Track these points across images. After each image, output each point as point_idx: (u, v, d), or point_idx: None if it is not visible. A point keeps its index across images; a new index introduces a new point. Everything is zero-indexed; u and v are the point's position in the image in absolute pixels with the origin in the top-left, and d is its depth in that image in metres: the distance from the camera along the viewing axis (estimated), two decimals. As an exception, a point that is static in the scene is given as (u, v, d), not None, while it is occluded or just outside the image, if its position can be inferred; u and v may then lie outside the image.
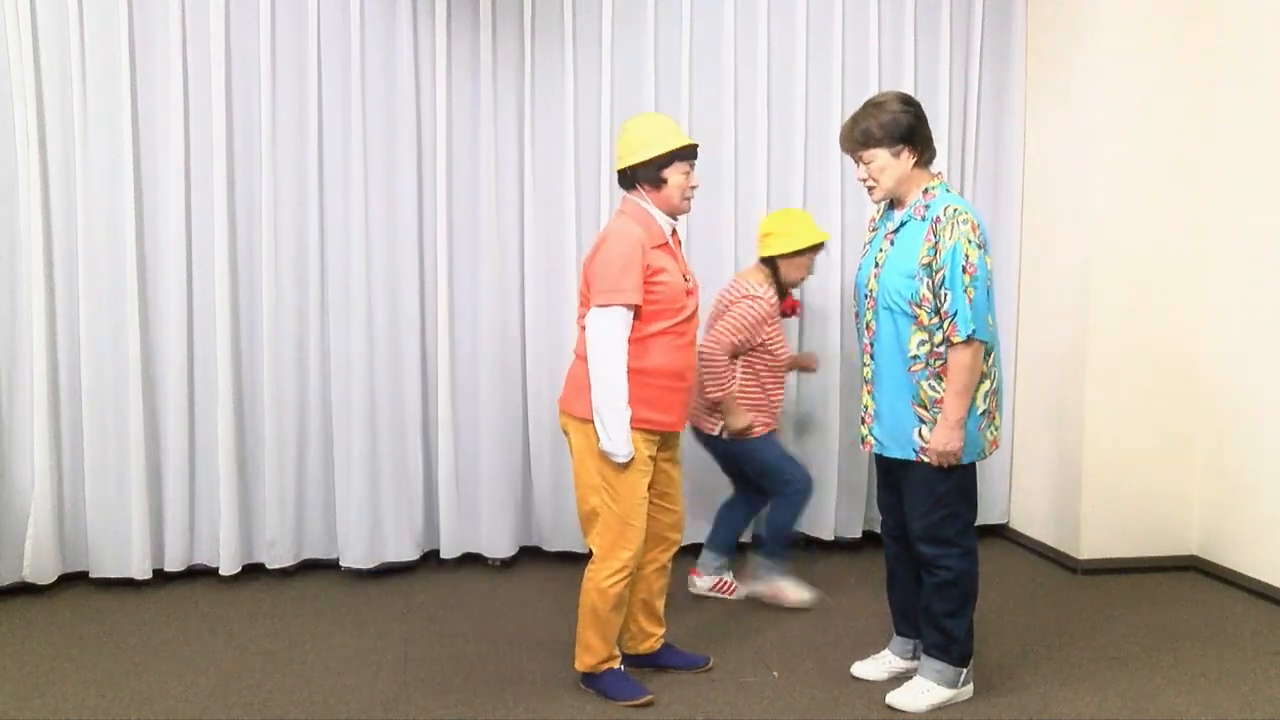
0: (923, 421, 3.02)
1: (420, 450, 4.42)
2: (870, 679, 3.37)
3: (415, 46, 4.31)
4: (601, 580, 3.10)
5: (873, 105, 3.03)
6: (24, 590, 4.12)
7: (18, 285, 4.03)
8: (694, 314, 3.17)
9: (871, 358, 3.12)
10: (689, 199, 3.17)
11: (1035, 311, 4.76)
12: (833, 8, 4.60)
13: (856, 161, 3.08)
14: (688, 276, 3.17)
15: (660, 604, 3.37)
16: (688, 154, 3.13)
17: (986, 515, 4.84)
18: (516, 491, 4.50)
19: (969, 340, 2.93)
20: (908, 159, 3.02)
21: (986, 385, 3.05)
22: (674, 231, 3.20)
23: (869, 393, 3.14)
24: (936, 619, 3.14)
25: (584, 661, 3.19)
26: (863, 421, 3.18)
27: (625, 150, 3.14)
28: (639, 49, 4.47)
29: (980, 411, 3.04)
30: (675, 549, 3.34)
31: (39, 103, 3.99)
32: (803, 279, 3.98)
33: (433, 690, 3.28)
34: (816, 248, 3.94)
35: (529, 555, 4.62)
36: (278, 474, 4.27)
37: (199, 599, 4.10)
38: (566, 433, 3.18)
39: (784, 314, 4.00)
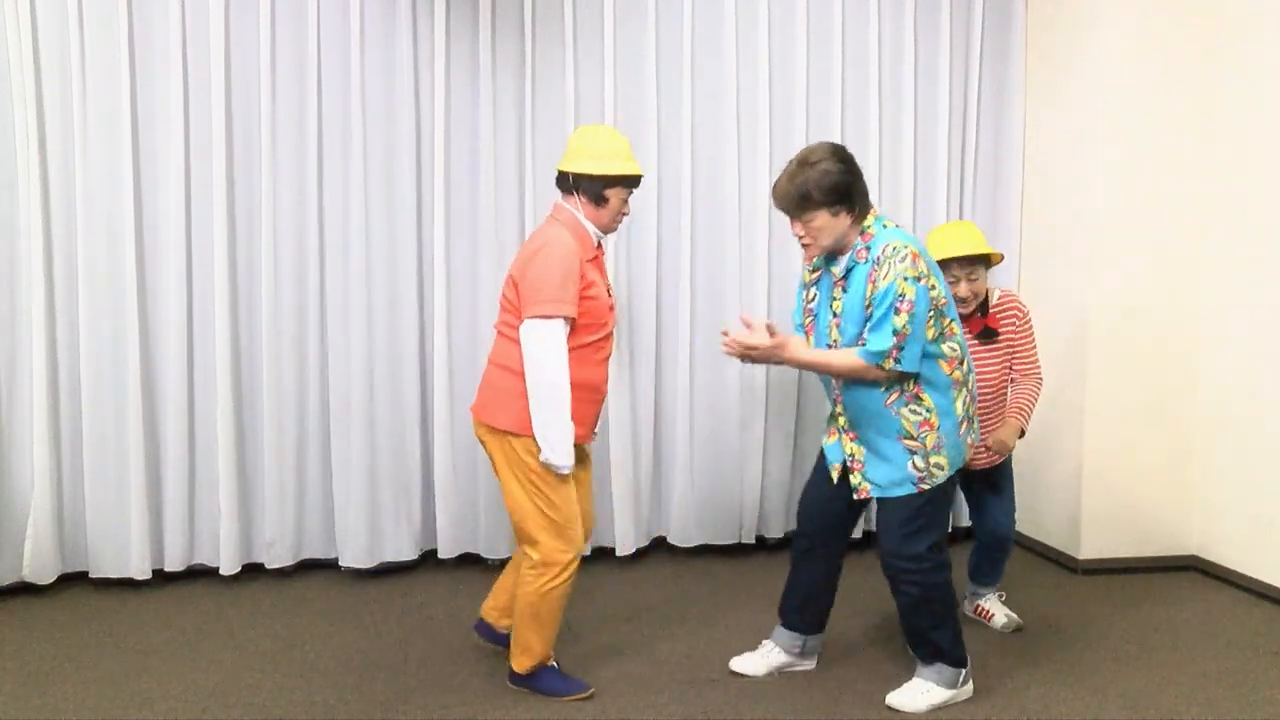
0: (913, 453, 3.05)
1: (419, 450, 4.42)
2: (749, 674, 3.37)
3: (415, 47, 4.31)
4: (544, 585, 3.07)
5: (807, 164, 2.96)
6: (24, 590, 4.12)
7: (17, 285, 4.03)
8: (612, 333, 3.20)
9: (844, 406, 3.13)
10: (618, 223, 3.19)
11: (1035, 311, 4.76)
12: (833, 8, 4.60)
13: (793, 220, 3.03)
14: (611, 292, 3.20)
15: None
16: (633, 183, 3.15)
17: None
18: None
19: (878, 365, 2.95)
20: (846, 218, 3.00)
21: (964, 393, 3.09)
22: (599, 244, 3.21)
23: (852, 440, 3.15)
24: (922, 634, 3.15)
25: (522, 663, 3.17)
26: (851, 470, 3.16)
27: (576, 155, 3.12)
28: (640, 49, 4.47)
29: (960, 419, 3.08)
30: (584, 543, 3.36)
31: (39, 103, 3.99)
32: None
33: (433, 690, 3.28)
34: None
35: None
36: (277, 474, 4.27)
37: (199, 599, 4.10)
38: (482, 441, 3.16)
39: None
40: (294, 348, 4.29)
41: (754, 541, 4.70)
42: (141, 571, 4.16)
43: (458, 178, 4.40)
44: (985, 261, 3.55)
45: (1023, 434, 3.65)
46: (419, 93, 4.34)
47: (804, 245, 3.05)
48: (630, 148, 3.18)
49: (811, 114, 4.65)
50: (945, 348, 3.03)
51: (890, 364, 2.94)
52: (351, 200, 4.26)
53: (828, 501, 3.27)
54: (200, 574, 4.35)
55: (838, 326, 3.06)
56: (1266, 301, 4.16)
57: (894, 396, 3.02)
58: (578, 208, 3.14)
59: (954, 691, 3.18)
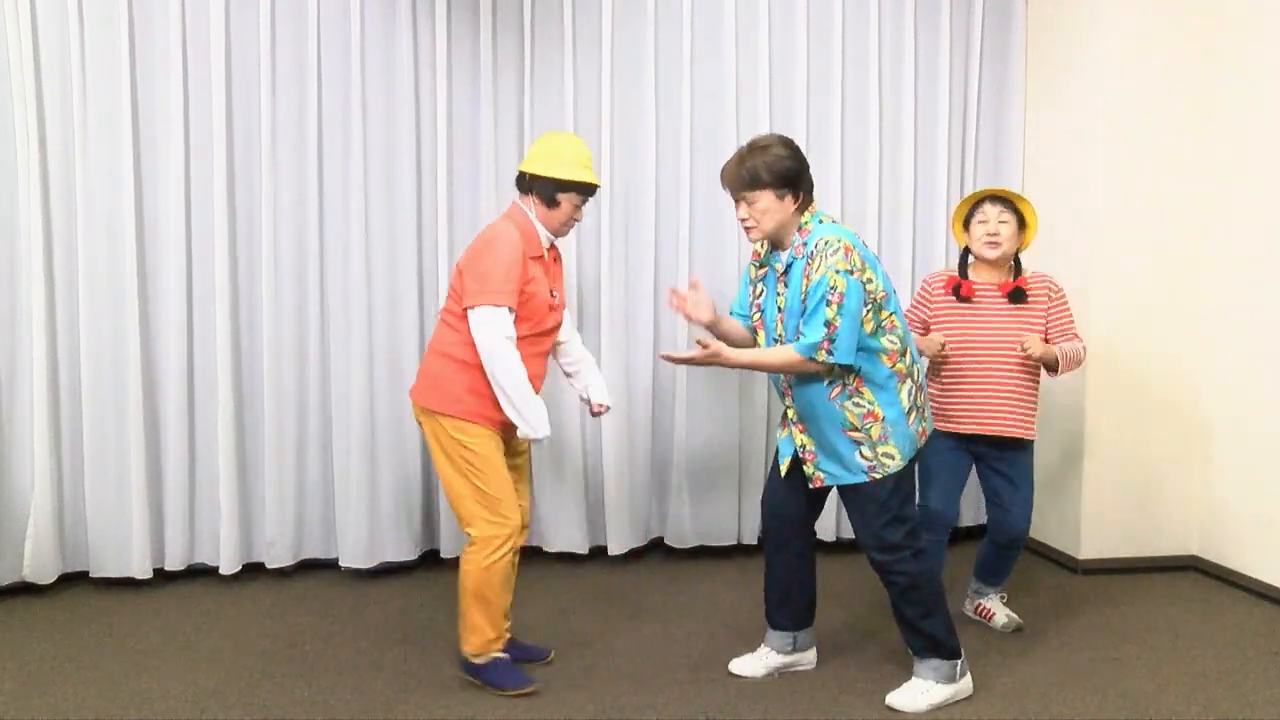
0: (859, 444, 3.07)
1: (419, 450, 4.42)
2: (748, 676, 3.37)
3: (415, 47, 4.31)
4: (483, 560, 3.14)
5: (758, 147, 3.04)
6: (24, 590, 4.12)
7: (18, 285, 4.03)
8: (554, 329, 3.30)
9: (792, 398, 3.17)
10: (569, 227, 3.28)
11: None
12: (833, 8, 4.60)
13: (738, 202, 3.08)
14: (555, 293, 3.28)
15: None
16: (587, 191, 3.24)
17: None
18: (516, 491, 4.50)
19: (811, 359, 2.97)
20: (790, 204, 3.05)
21: (909, 384, 3.10)
22: (552, 247, 3.30)
23: (802, 432, 3.18)
24: (913, 624, 3.16)
25: (471, 643, 3.22)
26: (804, 460, 3.19)
27: (536, 157, 3.22)
28: (639, 49, 4.47)
29: (907, 410, 3.09)
30: (521, 542, 3.35)
31: (39, 103, 3.99)
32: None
33: (432, 690, 3.28)
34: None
35: (528, 555, 4.62)
36: (277, 474, 4.27)
37: (199, 599, 4.10)
38: (419, 423, 3.27)
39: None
40: (294, 348, 4.29)
41: (755, 543, 4.70)
42: (142, 571, 4.16)
43: (458, 177, 4.40)
44: (1016, 211, 3.58)
45: (1052, 368, 3.52)
46: (419, 93, 4.34)
47: (747, 229, 3.09)
48: (591, 159, 3.27)
49: (811, 114, 4.64)
50: (885, 341, 3.04)
51: (823, 355, 2.96)
52: (351, 200, 4.25)
53: (788, 494, 3.29)
54: (200, 574, 4.35)
55: (782, 322, 3.11)
56: (1266, 301, 4.16)
57: (836, 391, 3.06)
58: (531, 208, 3.24)
59: (955, 688, 3.18)
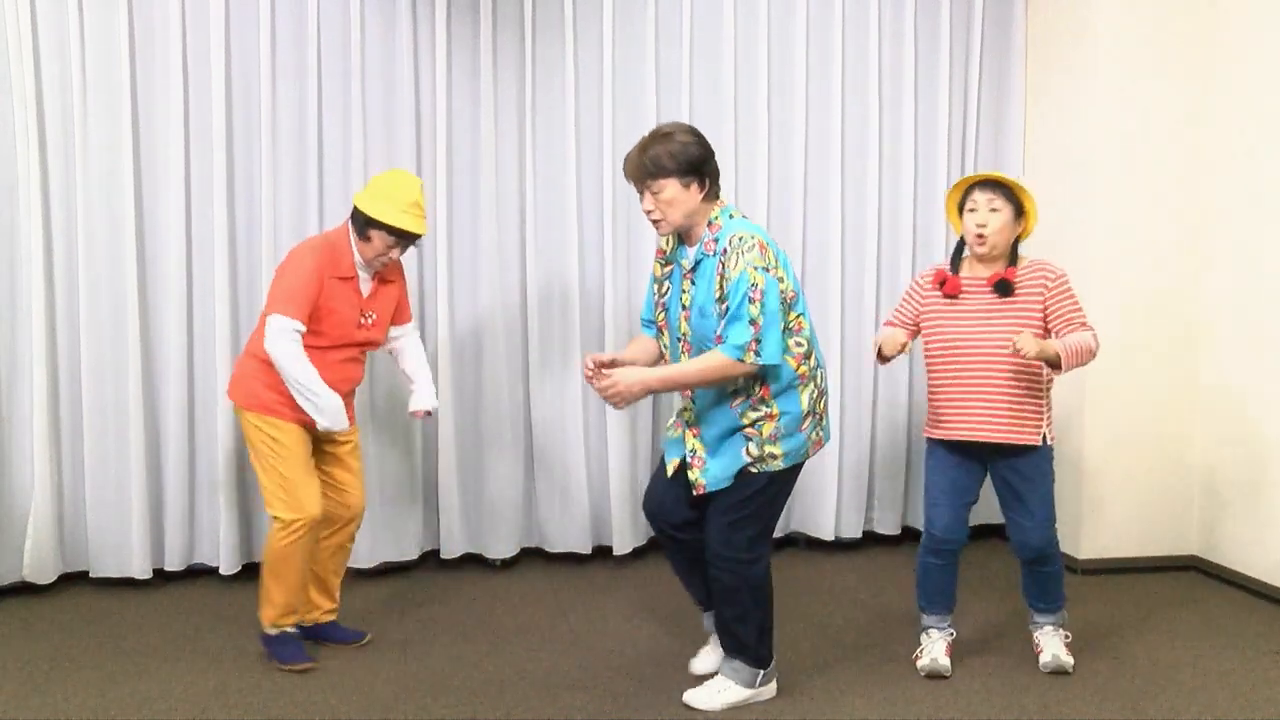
0: (749, 439, 3.01)
1: (420, 450, 4.42)
2: (709, 671, 3.30)
3: (415, 47, 4.31)
4: (279, 541, 3.34)
5: (661, 135, 2.95)
6: (24, 590, 4.12)
7: (17, 285, 4.03)
8: (366, 344, 3.48)
9: (693, 400, 3.09)
10: (381, 261, 3.38)
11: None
12: (833, 8, 4.60)
13: (642, 193, 2.98)
14: (369, 314, 3.44)
15: (336, 581, 3.63)
16: (399, 235, 3.34)
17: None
18: (518, 492, 4.50)
19: (740, 360, 2.89)
20: (697, 192, 2.96)
21: (811, 388, 3.05)
22: (380, 271, 3.44)
23: (694, 436, 3.09)
24: (725, 623, 3.13)
25: (266, 614, 3.43)
26: (691, 466, 3.08)
27: (366, 189, 3.37)
28: (640, 49, 4.47)
29: (805, 413, 3.04)
30: (350, 530, 3.59)
31: (39, 103, 3.99)
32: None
33: (433, 690, 3.28)
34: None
35: (530, 556, 4.62)
36: (278, 474, 4.27)
37: (199, 599, 4.10)
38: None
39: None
40: (294, 348, 4.29)
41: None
42: (142, 571, 4.16)
43: (458, 177, 4.40)
44: (1010, 196, 3.24)
45: (1055, 365, 3.15)
46: (419, 93, 4.34)
47: (655, 222, 3.00)
48: (420, 206, 3.35)
49: (811, 114, 4.64)
50: (792, 343, 3.00)
51: (751, 357, 2.87)
52: (351, 200, 4.25)
53: (672, 500, 3.19)
54: (200, 574, 4.35)
55: (688, 320, 3.03)
56: (1266, 301, 4.16)
57: (741, 399, 3.00)
58: (352, 232, 3.39)
59: (751, 691, 3.15)
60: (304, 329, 3.27)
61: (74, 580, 4.24)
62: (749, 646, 3.13)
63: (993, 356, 3.26)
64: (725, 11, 4.51)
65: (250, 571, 4.35)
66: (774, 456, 3.02)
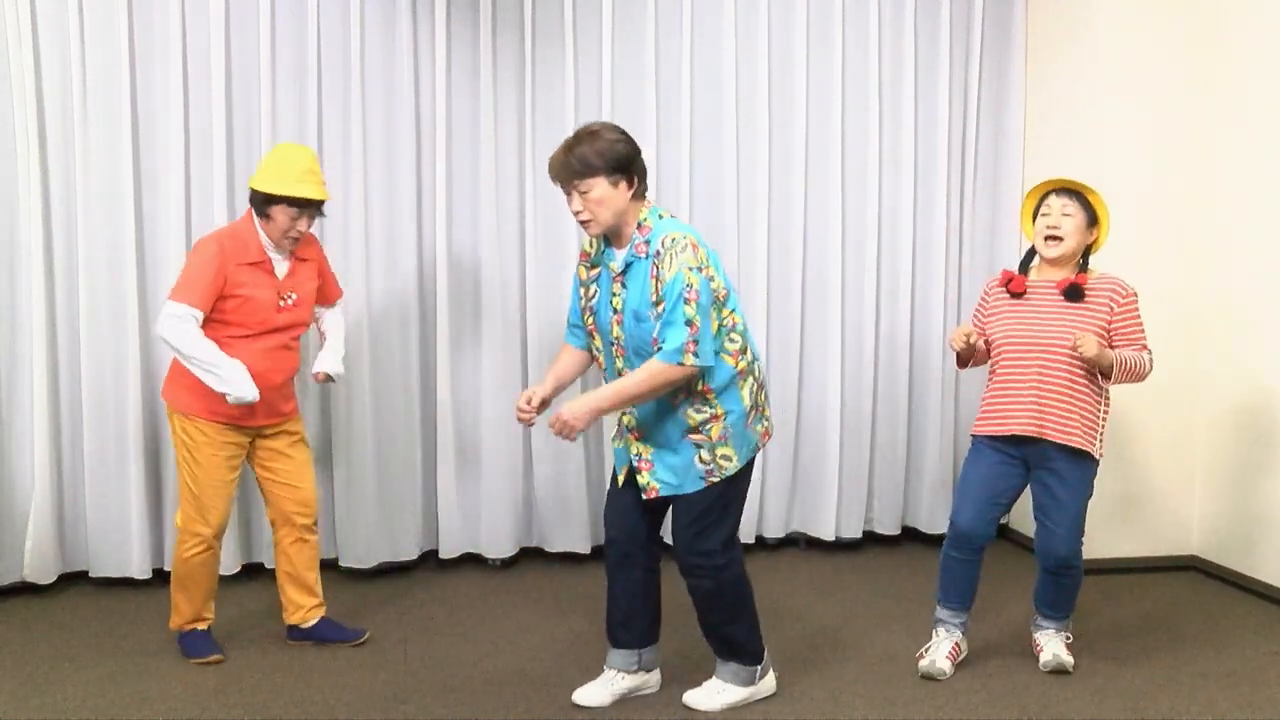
0: (699, 446, 2.98)
1: (420, 449, 4.42)
2: (595, 705, 3.15)
3: (415, 47, 4.31)
4: (182, 551, 3.39)
5: (587, 133, 2.91)
6: (24, 590, 4.11)
7: (17, 285, 4.03)
8: (290, 327, 3.42)
9: (632, 405, 3.03)
10: (289, 238, 3.33)
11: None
12: (833, 9, 4.60)
13: (570, 193, 2.93)
14: (285, 295, 3.38)
15: (311, 577, 3.60)
16: (297, 204, 3.27)
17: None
18: (517, 491, 4.50)
19: (679, 364, 2.85)
20: (625, 190, 2.91)
21: (750, 382, 3.04)
22: (295, 251, 3.39)
23: (639, 439, 3.04)
24: (715, 628, 3.11)
25: (174, 621, 3.50)
26: (639, 470, 3.04)
27: (258, 169, 3.33)
28: (639, 49, 4.47)
29: (749, 409, 3.03)
30: (307, 524, 3.56)
31: (39, 103, 3.99)
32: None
33: (433, 690, 3.28)
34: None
35: (529, 556, 4.62)
36: (277, 474, 4.27)
37: (199, 599, 4.10)
38: None
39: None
40: (294, 347, 4.29)
41: (753, 541, 4.70)
42: (142, 571, 4.16)
43: (458, 177, 4.40)
44: (1084, 204, 3.29)
45: (1106, 375, 3.23)
46: (419, 92, 4.34)
47: (584, 223, 2.95)
48: (316, 173, 3.30)
49: (811, 114, 4.64)
50: (726, 341, 2.98)
51: (690, 359, 2.83)
52: (351, 199, 4.25)
53: (628, 508, 3.12)
54: (200, 574, 4.35)
55: (619, 324, 2.99)
56: (1268, 300, 4.16)
57: (680, 396, 2.97)
58: (253, 218, 3.35)
59: (750, 690, 3.16)
60: (201, 315, 3.22)
61: (74, 580, 4.24)
62: (743, 647, 3.13)
63: (1055, 357, 3.28)
64: (725, 12, 4.51)
65: (250, 572, 4.35)
66: (727, 459, 3.00)
